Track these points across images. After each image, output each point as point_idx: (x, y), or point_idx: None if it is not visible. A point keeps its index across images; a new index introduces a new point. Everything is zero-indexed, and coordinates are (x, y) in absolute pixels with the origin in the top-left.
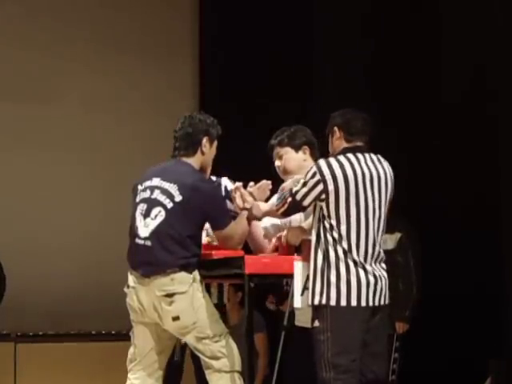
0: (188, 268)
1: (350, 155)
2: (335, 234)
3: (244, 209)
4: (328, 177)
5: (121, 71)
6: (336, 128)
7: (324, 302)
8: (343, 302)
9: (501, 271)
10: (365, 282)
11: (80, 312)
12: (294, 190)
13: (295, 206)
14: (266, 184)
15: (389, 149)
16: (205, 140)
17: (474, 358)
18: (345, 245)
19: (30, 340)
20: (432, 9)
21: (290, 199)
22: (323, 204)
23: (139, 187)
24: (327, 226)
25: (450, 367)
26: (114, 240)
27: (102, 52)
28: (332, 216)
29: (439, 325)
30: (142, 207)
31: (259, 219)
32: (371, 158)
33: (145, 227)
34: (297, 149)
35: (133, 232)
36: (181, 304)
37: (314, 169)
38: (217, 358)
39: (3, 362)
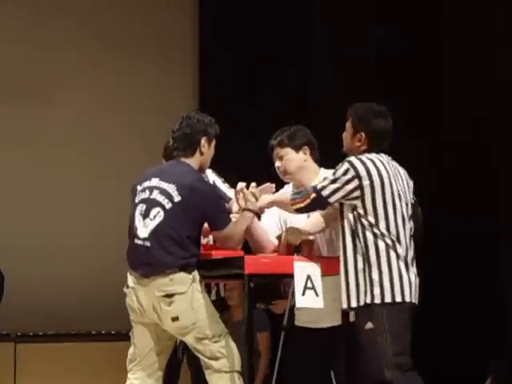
0: (187, 268)
1: (376, 155)
2: (376, 231)
3: (245, 209)
4: (363, 173)
5: (121, 71)
6: (363, 135)
7: (369, 300)
8: (388, 299)
9: (501, 271)
10: (407, 278)
11: (80, 312)
12: (320, 185)
13: (319, 203)
14: (270, 187)
15: None
16: (203, 140)
17: (473, 358)
18: (388, 240)
19: (30, 340)
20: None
21: (314, 195)
22: (357, 202)
23: (138, 188)
24: (366, 223)
25: (450, 367)
26: (113, 240)
27: (102, 52)
28: (370, 213)
29: (439, 325)
30: (141, 208)
31: (259, 214)
32: (390, 159)
33: (144, 228)
34: (297, 149)
35: (132, 232)
36: (180, 304)
37: (347, 165)
38: (216, 359)
39: (3, 362)
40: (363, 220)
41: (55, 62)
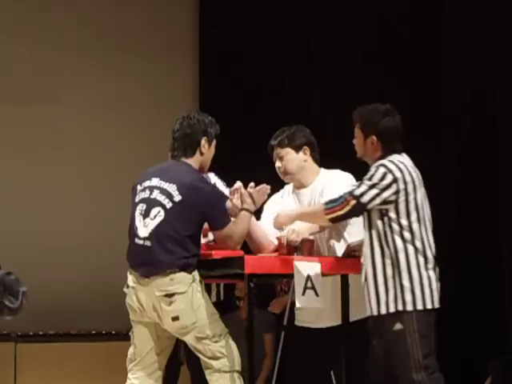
0: (188, 268)
1: (400, 157)
2: (406, 234)
3: (242, 209)
4: (400, 177)
5: (121, 71)
6: (375, 138)
7: (400, 308)
8: (419, 306)
9: (501, 271)
10: (435, 283)
11: (80, 312)
12: (358, 191)
13: (358, 210)
14: (265, 188)
15: None
16: (203, 141)
17: (473, 358)
18: (418, 244)
19: (30, 340)
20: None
21: (353, 201)
22: (391, 206)
23: (138, 187)
24: (396, 228)
25: (450, 367)
26: (113, 240)
27: (103, 52)
28: (403, 216)
29: (439, 325)
30: (141, 207)
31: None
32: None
33: (144, 227)
34: (297, 149)
35: (132, 232)
36: (180, 304)
37: (383, 169)
38: (216, 358)
39: (3, 361)
40: (393, 224)
41: (56, 63)
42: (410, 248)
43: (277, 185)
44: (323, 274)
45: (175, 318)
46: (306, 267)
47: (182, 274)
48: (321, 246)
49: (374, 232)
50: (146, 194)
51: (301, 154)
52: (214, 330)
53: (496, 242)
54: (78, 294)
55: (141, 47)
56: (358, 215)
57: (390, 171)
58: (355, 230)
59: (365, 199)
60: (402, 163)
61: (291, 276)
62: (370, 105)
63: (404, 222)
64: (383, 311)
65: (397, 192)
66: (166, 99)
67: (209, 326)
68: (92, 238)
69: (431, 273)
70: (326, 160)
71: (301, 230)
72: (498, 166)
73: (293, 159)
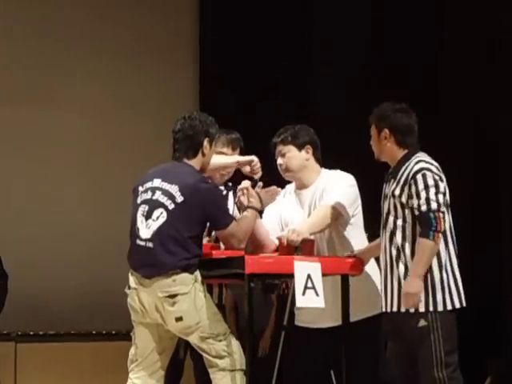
0: (190, 269)
1: (425, 153)
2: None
3: (248, 207)
4: (442, 175)
5: (121, 71)
6: (387, 131)
7: (431, 308)
8: (449, 306)
9: (501, 271)
10: (460, 280)
11: (80, 312)
12: (435, 205)
13: (445, 218)
14: (276, 190)
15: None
16: (205, 142)
17: (473, 358)
18: (450, 243)
19: (31, 340)
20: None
21: (441, 214)
22: None
23: (140, 188)
24: None
25: None
26: (114, 241)
27: (103, 53)
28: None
29: None
30: (143, 208)
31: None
32: None
33: (146, 228)
34: (300, 148)
35: (134, 233)
36: (183, 305)
37: (429, 173)
38: (221, 357)
39: (4, 361)
40: None
41: (55, 64)
42: (442, 247)
43: (277, 185)
44: (323, 274)
45: (179, 319)
46: (306, 267)
47: (184, 275)
48: (321, 246)
49: (405, 230)
50: (147, 196)
51: (303, 152)
52: (217, 329)
53: (496, 241)
54: (78, 294)
55: (140, 48)
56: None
57: (435, 173)
58: (355, 234)
59: (442, 208)
60: (432, 160)
61: (291, 276)
62: (385, 103)
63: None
64: (412, 309)
65: (446, 188)
66: (166, 99)
67: (212, 325)
68: (92, 238)
69: (457, 272)
70: (325, 160)
71: (301, 230)
72: (499, 167)
73: (295, 157)
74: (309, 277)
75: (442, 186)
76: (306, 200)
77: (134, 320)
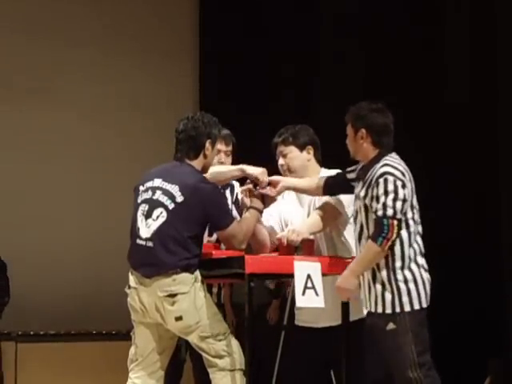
0: (190, 268)
1: (394, 155)
2: (404, 234)
3: (250, 207)
4: (406, 180)
5: (121, 71)
6: (364, 131)
7: (398, 309)
8: (416, 306)
9: (501, 271)
10: (428, 281)
11: (80, 312)
12: (390, 212)
13: (401, 227)
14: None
15: None
16: (208, 143)
17: (473, 358)
18: (415, 244)
19: (31, 339)
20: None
21: (395, 222)
22: None
23: (141, 188)
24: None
25: (450, 367)
26: (114, 241)
27: (102, 53)
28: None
29: (439, 325)
30: (143, 208)
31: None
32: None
33: (146, 228)
34: (301, 148)
35: (134, 232)
36: (183, 304)
37: (391, 178)
38: (221, 357)
39: (4, 361)
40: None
41: (55, 63)
42: (406, 247)
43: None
44: (323, 274)
45: (178, 318)
46: (306, 267)
47: (185, 275)
48: (321, 246)
49: (370, 231)
50: (148, 195)
51: (304, 153)
52: (217, 329)
53: (496, 241)
54: (78, 294)
55: (141, 47)
56: (401, 229)
57: (398, 177)
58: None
59: (399, 215)
60: (400, 165)
61: (291, 276)
62: (362, 102)
63: (402, 223)
64: (380, 310)
65: (407, 194)
66: (166, 98)
67: (212, 325)
68: (92, 239)
69: (424, 271)
70: (325, 160)
71: (301, 229)
72: (499, 163)
73: (296, 157)
74: (309, 277)
75: (403, 192)
76: (305, 200)
77: (134, 320)
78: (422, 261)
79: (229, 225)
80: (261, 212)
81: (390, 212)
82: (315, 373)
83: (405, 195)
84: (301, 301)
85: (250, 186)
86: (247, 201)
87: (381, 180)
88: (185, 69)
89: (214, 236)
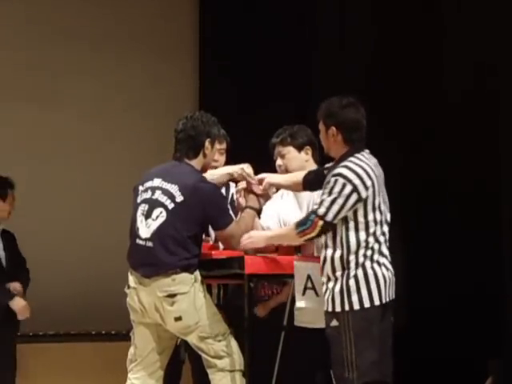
0: (189, 269)
1: (361, 156)
2: (362, 234)
3: (246, 207)
4: (358, 182)
5: (121, 71)
6: (334, 129)
7: (347, 308)
8: (367, 304)
9: (501, 271)
10: (382, 280)
11: (80, 312)
12: (322, 211)
13: (327, 228)
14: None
15: (385, 147)
16: (207, 143)
17: (473, 358)
18: (375, 245)
19: (30, 340)
20: (434, 8)
21: (320, 222)
22: (349, 213)
23: (140, 188)
24: (351, 227)
25: (450, 367)
26: (114, 241)
27: (102, 53)
28: (360, 218)
29: (439, 325)
30: (143, 208)
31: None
32: (370, 155)
33: (146, 228)
34: (299, 148)
35: (133, 232)
36: (183, 304)
37: (342, 180)
38: (220, 358)
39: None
40: (350, 225)
41: (54, 63)
42: (362, 248)
43: None
44: None
45: (178, 318)
46: (306, 267)
47: (184, 275)
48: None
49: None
50: (148, 195)
51: (302, 153)
52: (216, 330)
53: (496, 241)
54: (78, 294)
55: (141, 47)
56: (329, 231)
57: (349, 180)
58: None
59: (329, 217)
60: (360, 167)
61: (291, 276)
62: (333, 98)
63: (360, 222)
64: (330, 309)
65: (359, 200)
66: (166, 99)
67: (212, 325)
68: (92, 238)
69: (379, 269)
70: (324, 161)
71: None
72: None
73: (294, 158)
74: (309, 277)
75: (346, 197)
76: (303, 200)
77: (133, 320)
78: (382, 259)
79: (228, 225)
80: (257, 211)
81: (321, 211)
82: (315, 373)
83: (347, 201)
84: (301, 301)
85: (244, 185)
86: (243, 201)
87: (332, 179)
88: (185, 68)
89: (213, 236)
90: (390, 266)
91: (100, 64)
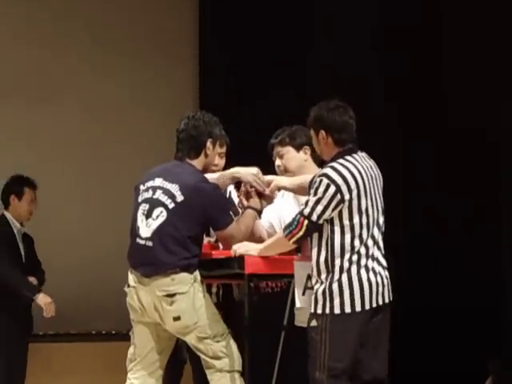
0: (189, 268)
1: (350, 158)
2: (347, 237)
3: (248, 207)
4: (341, 182)
5: (121, 72)
6: (324, 132)
7: (328, 311)
8: (348, 309)
9: (501, 271)
10: (367, 284)
11: (80, 312)
12: (307, 211)
13: (313, 228)
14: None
15: (386, 152)
16: (209, 143)
17: (474, 358)
18: (362, 249)
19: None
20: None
21: (306, 222)
22: (334, 213)
23: (141, 187)
24: (337, 230)
25: (450, 367)
26: (114, 240)
27: (102, 53)
28: (345, 220)
29: (439, 325)
30: (143, 207)
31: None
32: (363, 157)
33: (146, 227)
34: (298, 148)
35: (134, 232)
36: (182, 304)
37: (326, 181)
38: (218, 358)
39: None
40: (335, 227)
41: (55, 64)
42: (347, 251)
43: None
44: None
45: (177, 318)
46: (306, 267)
47: (184, 275)
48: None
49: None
50: (148, 194)
51: (301, 153)
52: (215, 330)
53: (496, 241)
54: (78, 294)
55: (141, 48)
56: (316, 231)
57: (333, 181)
58: None
59: (314, 217)
60: (346, 168)
61: (291, 276)
62: (321, 102)
63: (345, 225)
64: (312, 310)
65: (342, 201)
66: (167, 99)
67: (210, 325)
68: (93, 237)
69: (365, 274)
70: (323, 161)
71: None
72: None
73: (293, 158)
74: (309, 277)
75: (330, 198)
76: (303, 200)
77: (132, 319)
78: (371, 264)
79: (228, 225)
80: (258, 211)
81: (306, 211)
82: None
83: (331, 202)
84: (301, 301)
85: (248, 188)
86: (245, 202)
87: (317, 180)
88: (185, 68)
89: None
90: (380, 270)
91: (99, 64)
